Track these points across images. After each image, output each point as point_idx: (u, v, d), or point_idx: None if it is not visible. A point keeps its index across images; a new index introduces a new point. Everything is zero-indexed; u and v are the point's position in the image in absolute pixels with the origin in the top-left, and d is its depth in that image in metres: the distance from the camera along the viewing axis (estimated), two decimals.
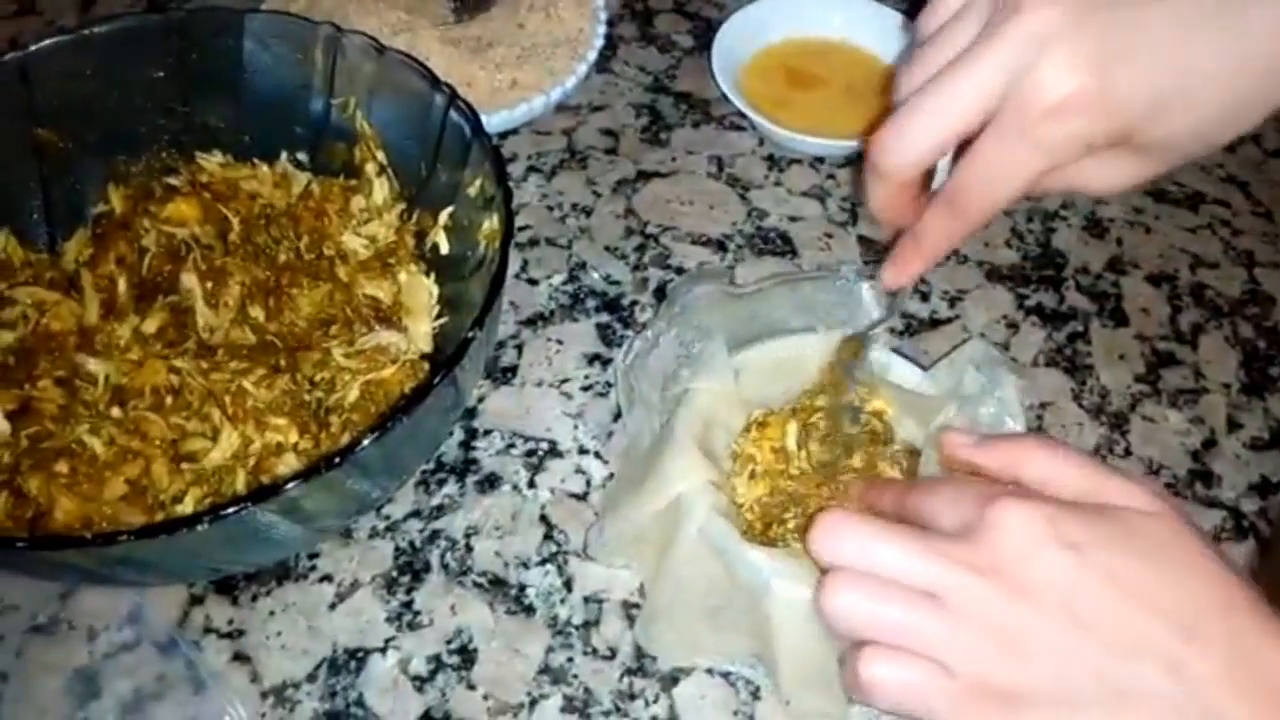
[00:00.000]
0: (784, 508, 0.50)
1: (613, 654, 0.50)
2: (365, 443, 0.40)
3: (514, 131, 0.71)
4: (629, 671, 0.50)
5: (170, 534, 0.37)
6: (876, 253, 0.66)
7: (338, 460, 0.39)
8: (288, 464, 0.48)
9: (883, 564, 0.35)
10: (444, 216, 0.55)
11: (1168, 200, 0.70)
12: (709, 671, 0.50)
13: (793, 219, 0.68)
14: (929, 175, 0.43)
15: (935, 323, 0.63)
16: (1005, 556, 0.34)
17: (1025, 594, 0.33)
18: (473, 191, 0.51)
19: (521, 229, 0.66)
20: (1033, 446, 0.39)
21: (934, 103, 0.39)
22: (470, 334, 0.42)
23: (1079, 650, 0.33)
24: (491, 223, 0.48)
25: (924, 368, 0.55)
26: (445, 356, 0.43)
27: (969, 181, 0.40)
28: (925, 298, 0.64)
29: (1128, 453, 0.58)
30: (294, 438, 0.49)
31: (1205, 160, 0.73)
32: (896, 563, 0.35)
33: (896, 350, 0.56)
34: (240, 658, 0.49)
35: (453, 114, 0.51)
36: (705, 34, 0.76)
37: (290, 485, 0.39)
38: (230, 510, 0.38)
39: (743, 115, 0.69)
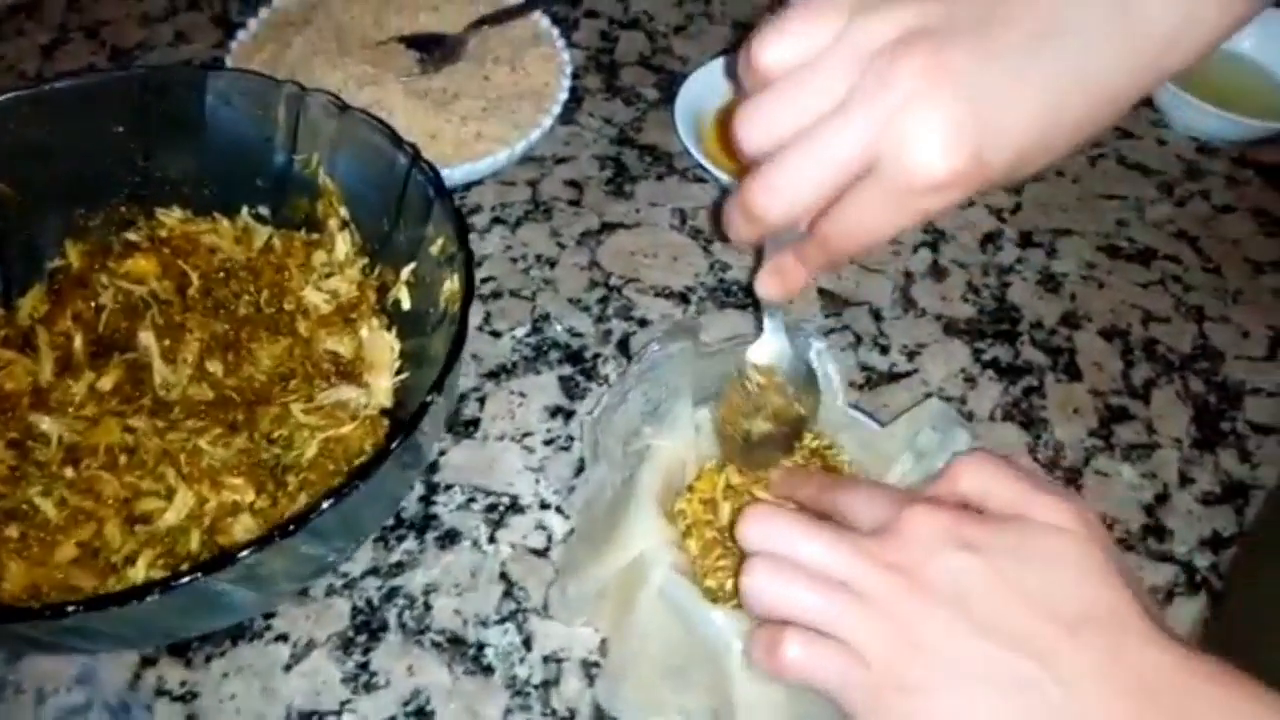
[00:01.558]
0: (718, 558, 0.51)
1: (572, 715, 0.50)
2: (322, 509, 0.40)
3: (479, 182, 0.71)
4: None
5: (121, 605, 0.36)
6: (836, 306, 0.67)
7: (292, 528, 0.39)
8: (244, 524, 0.48)
9: (804, 554, 0.39)
10: (406, 273, 0.55)
11: (1120, 255, 0.72)
12: None
13: (754, 272, 0.68)
14: None
15: (894, 376, 0.64)
16: (910, 555, 0.38)
17: (924, 589, 0.37)
18: (435, 250, 0.51)
19: (485, 280, 0.66)
20: (970, 461, 0.42)
21: (808, 163, 0.39)
22: (429, 399, 0.42)
23: (969, 641, 0.36)
24: (452, 283, 0.49)
25: (881, 423, 0.56)
26: (407, 412, 0.43)
27: (841, 228, 0.41)
28: (885, 350, 0.65)
29: None
30: (250, 497, 0.49)
31: (1156, 216, 0.74)
32: (816, 554, 0.39)
33: (854, 405, 0.56)
34: None
35: (415, 173, 0.51)
36: (669, 87, 0.77)
37: (244, 554, 0.38)
38: (183, 580, 0.38)
39: (705, 168, 0.69)
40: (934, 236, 0.72)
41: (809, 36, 0.39)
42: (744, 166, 0.42)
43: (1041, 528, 0.39)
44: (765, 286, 0.49)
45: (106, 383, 0.51)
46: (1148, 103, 0.82)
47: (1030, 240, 0.72)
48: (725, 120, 0.43)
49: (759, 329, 0.53)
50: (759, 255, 0.49)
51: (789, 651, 0.38)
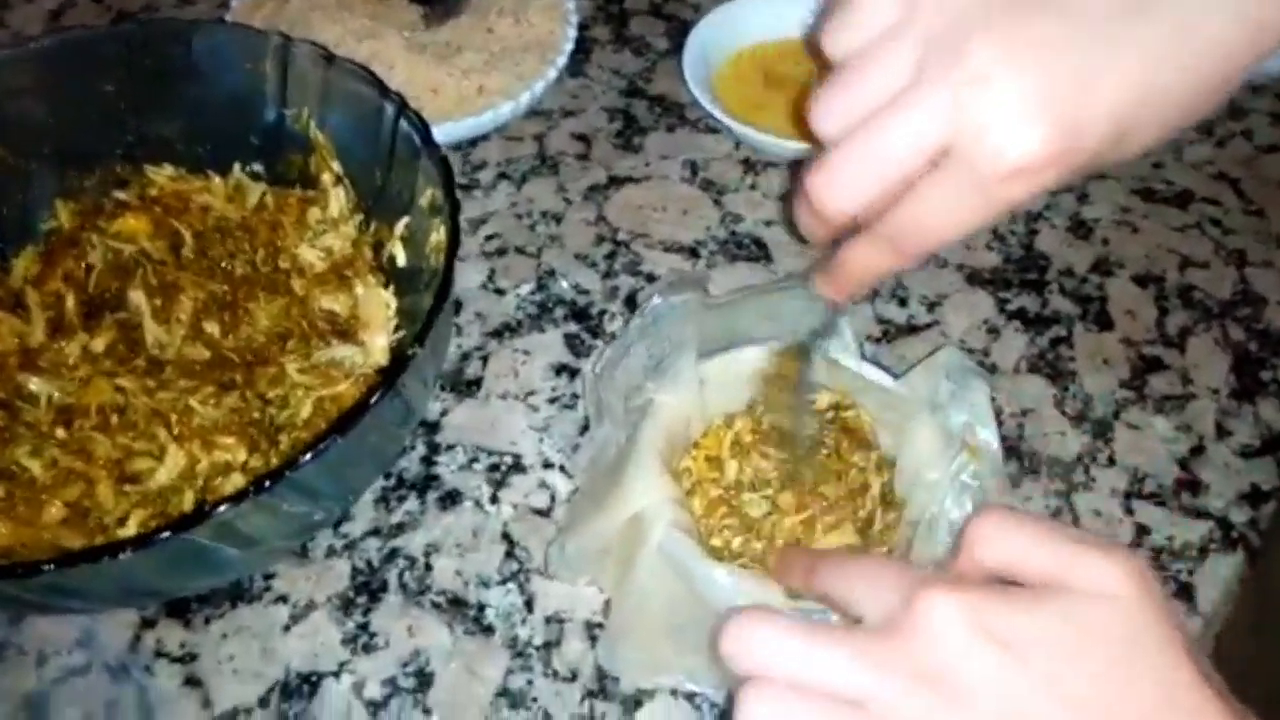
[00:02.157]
0: (723, 517, 0.49)
1: (574, 676, 0.49)
2: (299, 464, 0.38)
3: (484, 138, 0.69)
4: (590, 694, 0.48)
5: (94, 561, 0.36)
6: None
7: (269, 483, 0.38)
8: (236, 484, 0.47)
9: (801, 672, 0.32)
10: (400, 227, 0.53)
11: (1155, 199, 0.68)
12: (673, 693, 0.48)
13: (768, 224, 0.66)
14: None
15: (913, 328, 0.61)
16: (933, 659, 0.31)
17: (955, 700, 0.30)
18: (424, 202, 0.50)
19: (490, 237, 0.65)
20: (986, 525, 0.34)
21: (871, 152, 0.36)
22: (411, 351, 0.41)
23: None
24: (438, 235, 0.47)
25: (895, 375, 0.53)
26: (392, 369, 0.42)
27: (913, 223, 0.37)
28: (903, 302, 0.62)
29: (1111, 461, 0.56)
30: (242, 456, 0.48)
31: (1195, 157, 0.71)
32: (816, 670, 0.32)
33: (868, 358, 0.54)
34: (192, 682, 0.48)
35: (403, 122, 0.50)
36: (680, 35, 0.74)
37: (220, 509, 0.37)
38: (160, 537, 0.37)
39: (717, 119, 0.67)
40: None
41: (878, 14, 0.36)
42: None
43: (1087, 601, 0.32)
44: (823, 287, 0.44)
45: (99, 343, 0.50)
46: None
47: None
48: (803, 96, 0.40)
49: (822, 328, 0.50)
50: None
51: None
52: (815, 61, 0.40)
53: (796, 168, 0.67)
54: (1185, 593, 0.52)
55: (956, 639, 0.30)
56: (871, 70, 0.36)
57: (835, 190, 0.37)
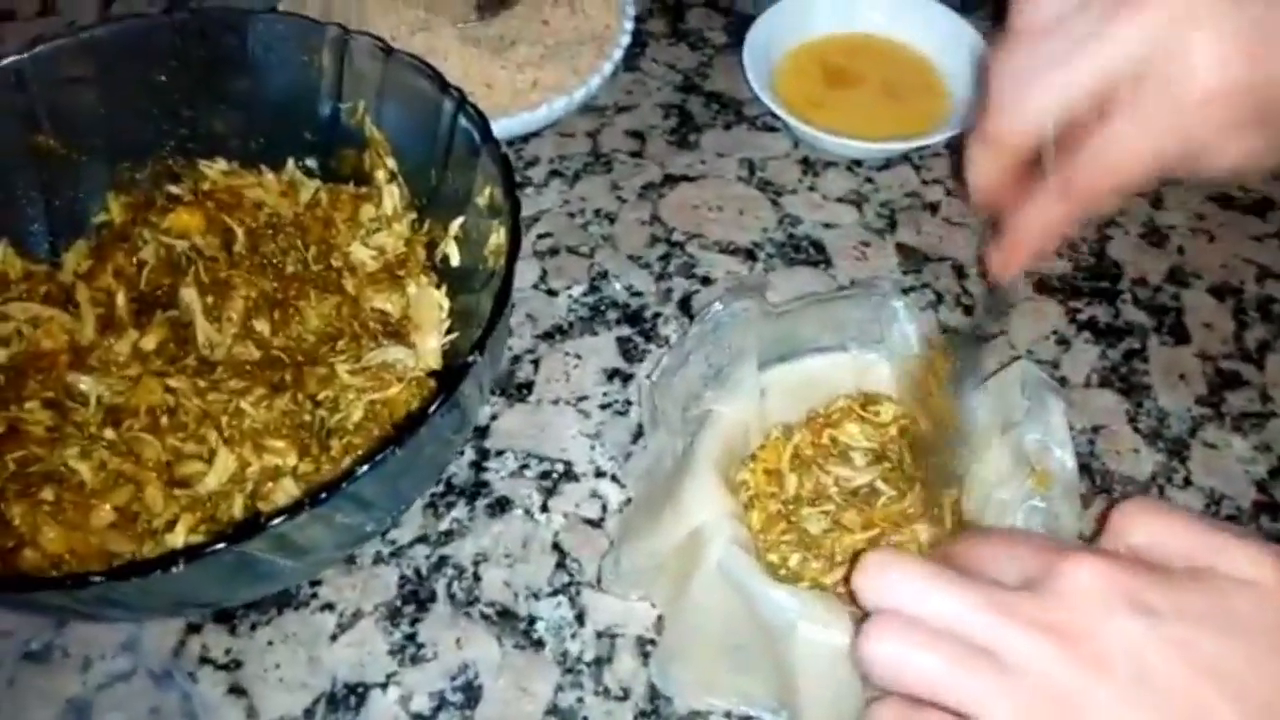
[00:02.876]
0: (781, 533, 0.48)
1: (625, 694, 0.47)
2: (356, 475, 0.37)
3: (536, 134, 0.68)
4: (642, 714, 0.47)
5: (144, 575, 0.35)
6: (916, 263, 0.62)
7: (324, 495, 0.36)
8: (286, 489, 0.46)
9: (935, 611, 0.31)
10: (454, 227, 0.52)
11: (1233, 206, 0.65)
12: (727, 715, 0.47)
13: (827, 226, 0.64)
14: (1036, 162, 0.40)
15: (979, 338, 0.59)
16: (1075, 616, 0.30)
17: (1091, 660, 0.29)
18: (481, 201, 0.49)
19: (542, 236, 0.63)
20: (1134, 510, 0.34)
21: (1060, 64, 0.36)
22: (470, 359, 0.39)
23: None
24: (498, 236, 0.46)
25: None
26: (449, 377, 0.41)
27: (1094, 162, 0.37)
28: (969, 310, 0.60)
29: (1188, 482, 0.54)
30: (293, 461, 0.47)
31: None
32: (951, 611, 0.31)
33: None
34: (237, 690, 0.47)
35: (461, 118, 0.48)
36: (739, 30, 0.72)
37: (276, 522, 0.36)
38: (211, 549, 0.36)
39: (776, 116, 0.65)
40: None
41: None
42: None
43: (1234, 585, 0.31)
44: (995, 262, 0.43)
45: (150, 341, 0.49)
46: None
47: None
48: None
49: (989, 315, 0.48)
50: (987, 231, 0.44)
51: None
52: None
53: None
54: None
55: (1100, 601, 0.30)
56: (1056, 31, 0.37)
57: (1020, 104, 0.37)
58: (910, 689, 0.31)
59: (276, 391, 0.48)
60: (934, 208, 0.65)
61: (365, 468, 0.37)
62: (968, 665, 0.30)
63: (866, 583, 0.32)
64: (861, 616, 0.41)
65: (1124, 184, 0.38)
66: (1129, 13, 0.36)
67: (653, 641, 0.48)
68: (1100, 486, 0.54)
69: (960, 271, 0.62)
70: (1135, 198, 0.65)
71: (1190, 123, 0.36)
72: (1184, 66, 0.35)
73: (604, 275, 0.62)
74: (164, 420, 0.47)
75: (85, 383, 0.47)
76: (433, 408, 0.38)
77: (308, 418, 0.48)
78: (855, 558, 0.48)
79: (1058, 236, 0.42)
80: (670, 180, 0.66)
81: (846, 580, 0.47)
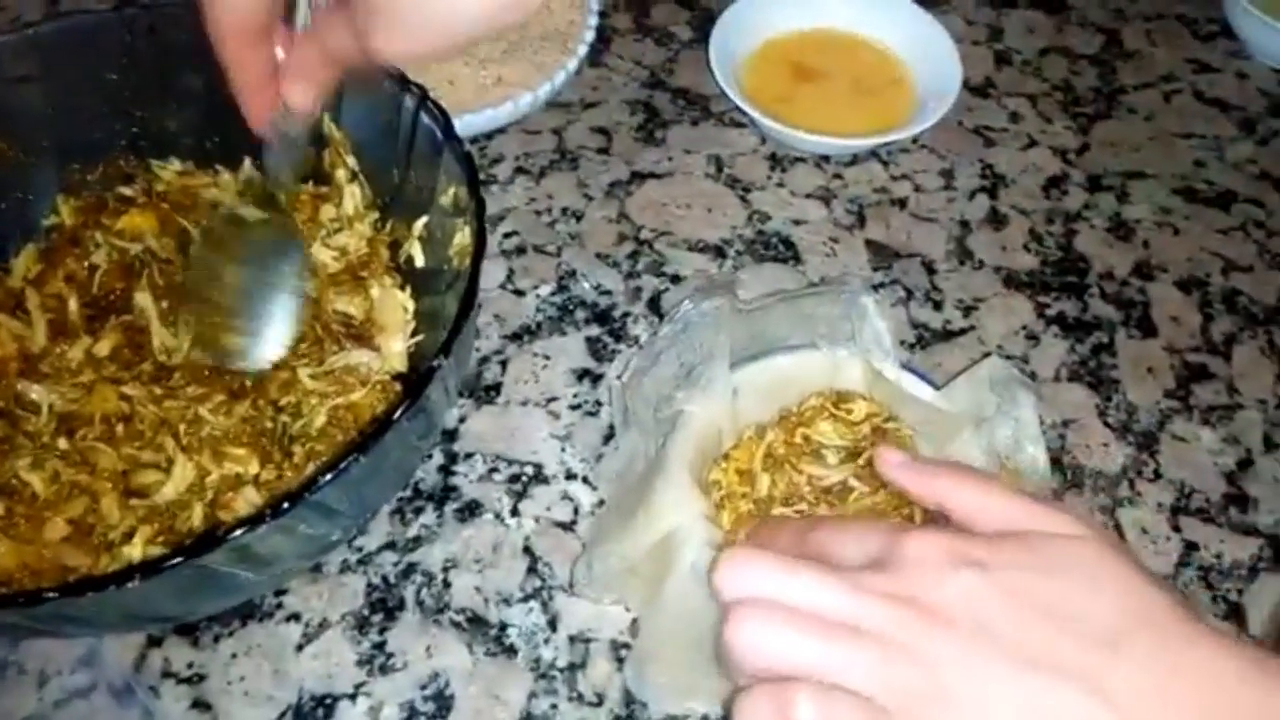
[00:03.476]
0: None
1: (600, 700, 0.46)
2: (319, 484, 0.36)
3: (501, 131, 0.67)
4: (618, 719, 0.46)
5: (100, 590, 0.33)
6: (885, 259, 0.62)
7: (286, 505, 0.35)
8: (247, 498, 0.45)
9: (795, 595, 0.33)
10: (418, 226, 0.51)
11: (1198, 199, 0.66)
12: (704, 719, 0.46)
13: (796, 222, 0.64)
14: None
15: (949, 334, 0.59)
16: (917, 582, 0.33)
17: (937, 616, 0.32)
18: (445, 200, 0.47)
19: (508, 235, 0.62)
20: (962, 478, 0.37)
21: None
22: (435, 363, 0.38)
23: (995, 670, 0.31)
24: (463, 236, 0.45)
25: (936, 386, 0.51)
26: (414, 381, 0.40)
27: None
28: (938, 306, 0.60)
29: (1157, 475, 0.54)
30: (254, 469, 0.45)
31: (1237, 156, 0.68)
32: (809, 593, 0.33)
33: (907, 366, 0.52)
34: (200, 705, 0.46)
35: (423, 115, 0.47)
36: (705, 25, 0.72)
37: (236, 534, 0.35)
38: (171, 563, 0.34)
39: (744, 112, 0.64)
40: (992, 181, 0.66)
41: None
42: None
43: (1049, 538, 0.34)
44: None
45: (103, 347, 0.48)
46: (1227, 32, 0.76)
47: (1099, 184, 0.66)
48: None
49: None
50: None
51: (801, 713, 0.31)
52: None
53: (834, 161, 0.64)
54: (1234, 612, 0.50)
55: (936, 565, 0.33)
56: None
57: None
58: (776, 667, 0.33)
59: (235, 398, 0.47)
60: (902, 203, 0.65)
61: (329, 475, 0.36)
62: (827, 636, 0.32)
63: (725, 578, 0.34)
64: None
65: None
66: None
67: (627, 646, 0.48)
68: (1071, 481, 0.54)
69: (930, 267, 0.62)
70: (1101, 193, 0.66)
71: None
72: None
73: (572, 274, 0.61)
74: (119, 428, 0.46)
75: (36, 391, 0.45)
76: (398, 413, 0.37)
77: (269, 424, 0.47)
78: None
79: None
80: (638, 177, 0.65)
81: None
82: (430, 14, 0.35)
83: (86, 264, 0.50)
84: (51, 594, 0.34)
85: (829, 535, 0.37)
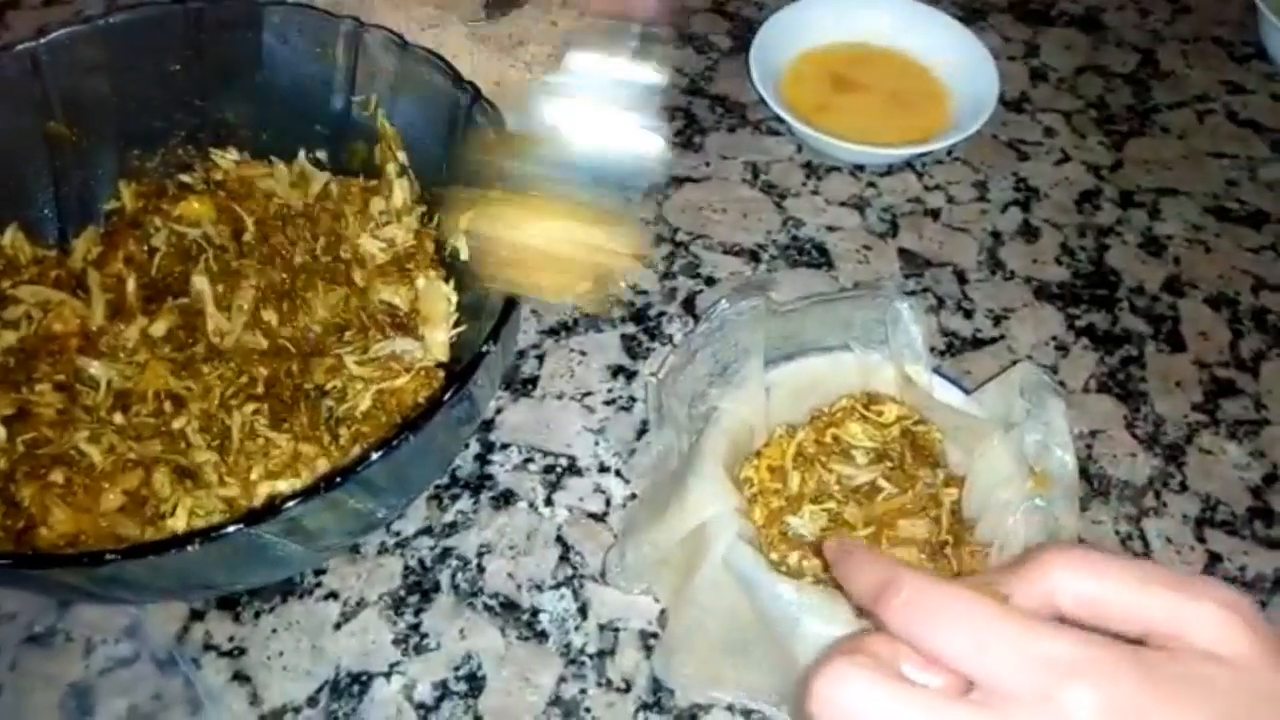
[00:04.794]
0: (782, 532, 0.48)
1: (628, 686, 0.47)
2: (369, 461, 0.37)
3: None
4: (645, 706, 0.47)
5: (159, 554, 0.35)
6: (917, 267, 0.63)
7: (339, 480, 0.37)
8: (293, 476, 0.46)
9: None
10: (465, 221, 0.52)
11: (1229, 218, 0.66)
12: (730, 709, 0.47)
13: (830, 229, 0.65)
14: None
15: (979, 342, 0.60)
16: None
17: None
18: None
19: None
20: (1052, 565, 0.31)
21: None
22: (484, 349, 0.40)
23: None
24: None
25: (967, 391, 0.52)
26: (461, 366, 0.41)
27: None
28: (969, 315, 0.61)
29: (1183, 487, 0.55)
30: (302, 448, 0.47)
31: (1270, 176, 0.69)
32: None
33: (938, 371, 0.52)
34: (240, 677, 0.47)
35: (476, 113, 0.49)
36: (744, 35, 0.73)
37: (289, 505, 0.36)
38: (225, 530, 0.36)
39: (780, 120, 0.66)
40: (1025, 195, 0.67)
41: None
42: None
43: (1202, 659, 0.28)
44: None
45: (159, 328, 0.50)
46: (1261, 54, 0.76)
47: (1131, 200, 0.67)
48: None
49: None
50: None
51: None
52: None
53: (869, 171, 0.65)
54: None
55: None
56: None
57: None
58: None
59: (285, 403, 0.48)
60: (935, 214, 0.66)
61: (379, 453, 0.37)
62: None
63: (822, 701, 0.29)
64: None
65: None
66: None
67: (655, 635, 0.49)
68: (1098, 490, 0.54)
69: (961, 276, 0.63)
70: (1133, 209, 0.66)
71: None
72: None
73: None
74: (167, 405, 0.47)
75: (95, 367, 0.47)
76: (447, 395, 0.39)
77: (303, 403, 0.48)
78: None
79: None
80: (675, 181, 0.67)
81: None
82: None
83: (145, 247, 0.51)
84: (113, 556, 0.35)
85: (927, 618, 0.30)
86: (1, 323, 0.48)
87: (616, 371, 0.58)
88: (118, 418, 0.47)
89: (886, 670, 0.29)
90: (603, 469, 0.54)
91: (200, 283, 0.50)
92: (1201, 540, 0.53)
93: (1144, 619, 0.29)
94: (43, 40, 0.50)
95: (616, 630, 0.49)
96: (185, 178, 0.54)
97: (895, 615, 0.30)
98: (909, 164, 0.68)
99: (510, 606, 0.50)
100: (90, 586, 0.39)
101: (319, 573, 0.50)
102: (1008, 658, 0.28)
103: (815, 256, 0.64)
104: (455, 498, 0.53)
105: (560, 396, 0.57)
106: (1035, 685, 0.28)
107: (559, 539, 0.52)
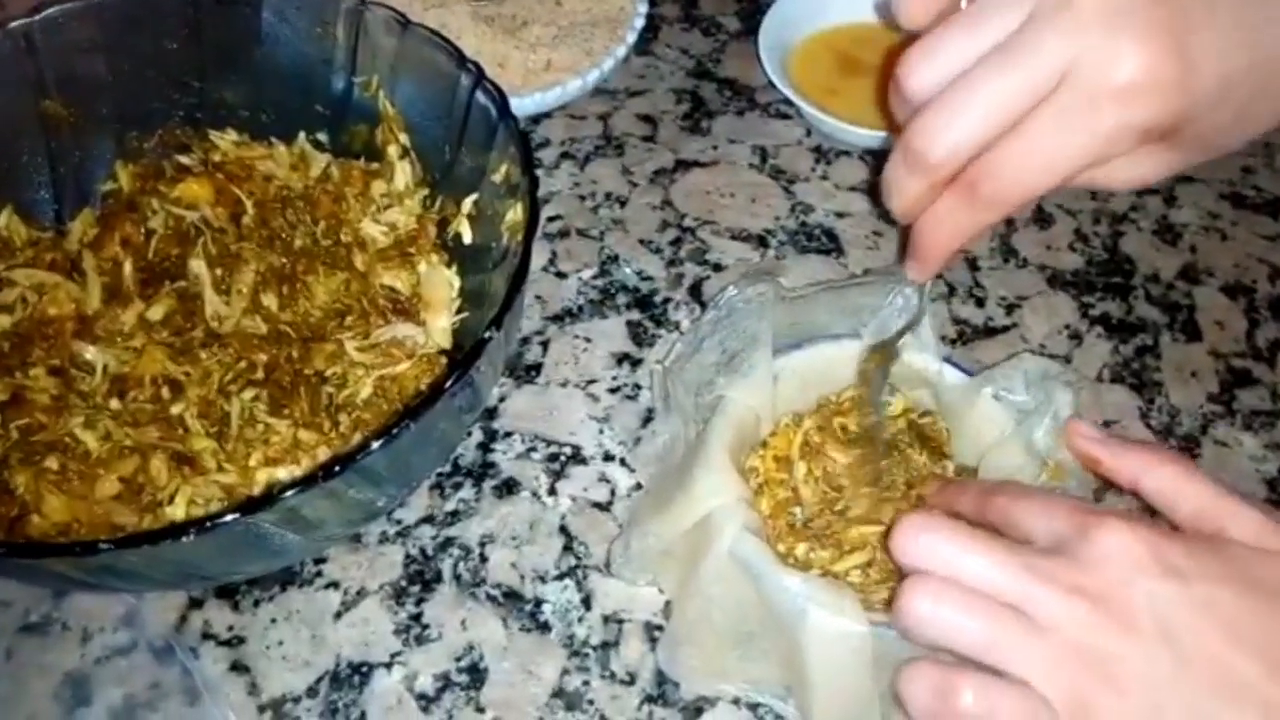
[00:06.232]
0: (788, 522, 0.47)
1: (632, 679, 0.47)
2: (369, 449, 0.37)
3: (547, 115, 0.67)
4: (649, 699, 0.46)
5: (154, 544, 0.34)
6: None
7: (338, 469, 0.36)
8: (293, 464, 0.45)
9: (970, 573, 0.33)
10: (467, 204, 0.51)
11: (1246, 206, 0.65)
12: (735, 702, 0.46)
13: (839, 215, 0.64)
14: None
15: (990, 331, 0.59)
16: (1104, 578, 0.32)
17: (1122, 620, 0.31)
18: (497, 178, 0.48)
19: (552, 219, 0.63)
20: (1162, 459, 0.37)
21: (988, 82, 0.34)
22: (487, 334, 0.39)
23: (1174, 684, 0.30)
24: (515, 213, 0.45)
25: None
26: (464, 353, 0.40)
27: (1003, 167, 0.36)
28: (980, 303, 0.60)
29: None
30: (302, 435, 0.46)
31: None
32: (985, 573, 0.33)
33: (949, 360, 0.51)
34: (239, 667, 0.46)
35: (479, 94, 0.48)
36: (753, 16, 0.72)
37: (286, 495, 0.35)
38: (222, 520, 0.35)
39: (789, 103, 0.65)
40: None
41: None
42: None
43: (1248, 550, 0.33)
44: (911, 269, 0.43)
45: (156, 312, 0.49)
46: None
47: (1147, 187, 0.65)
48: (886, 72, 0.39)
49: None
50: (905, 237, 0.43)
51: (963, 701, 0.31)
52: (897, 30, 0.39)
53: (879, 156, 0.65)
54: None
55: (1127, 564, 0.31)
56: (977, 24, 0.35)
57: (943, 133, 0.35)
58: (947, 645, 0.33)
59: (284, 390, 0.48)
60: None
61: (379, 442, 0.37)
62: (1003, 623, 0.32)
63: (903, 544, 0.34)
64: (886, 601, 0.41)
65: (1032, 193, 0.36)
66: (1040, 24, 0.34)
67: (660, 627, 0.48)
68: (1111, 481, 0.53)
69: (973, 264, 0.62)
70: (1148, 195, 0.65)
71: (1105, 121, 0.34)
72: (1100, 59, 0.33)
73: (614, 259, 0.61)
74: (165, 392, 0.46)
75: (91, 352, 0.46)
76: (449, 382, 0.38)
77: (305, 388, 0.48)
78: (863, 546, 0.49)
79: (968, 241, 0.40)
80: (682, 165, 0.66)
81: (857, 568, 0.47)
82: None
83: (143, 230, 0.50)
84: (106, 545, 0.34)
85: (1015, 504, 0.36)
86: None
87: (622, 359, 0.57)
88: (114, 403, 0.46)
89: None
90: (607, 458, 0.53)
91: (198, 266, 0.49)
92: None
93: (1200, 516, 0.35)
94: (37, 18, 0.49)
95: (620, 622, 0.48)
96: (183, 159, 0.53)
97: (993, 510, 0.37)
98: None
99: (513, 597, 0.49)
100: (84, 576, 0.38)
101: (319, 561, 0.49)
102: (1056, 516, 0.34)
103: (825, 242, 0.63)
104: (457, 486, 0.52)
105: (564, 384, 0.56)
106: (1068, 527, 0.33)
107: (562, 529, 0.51)
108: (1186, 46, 0.33)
